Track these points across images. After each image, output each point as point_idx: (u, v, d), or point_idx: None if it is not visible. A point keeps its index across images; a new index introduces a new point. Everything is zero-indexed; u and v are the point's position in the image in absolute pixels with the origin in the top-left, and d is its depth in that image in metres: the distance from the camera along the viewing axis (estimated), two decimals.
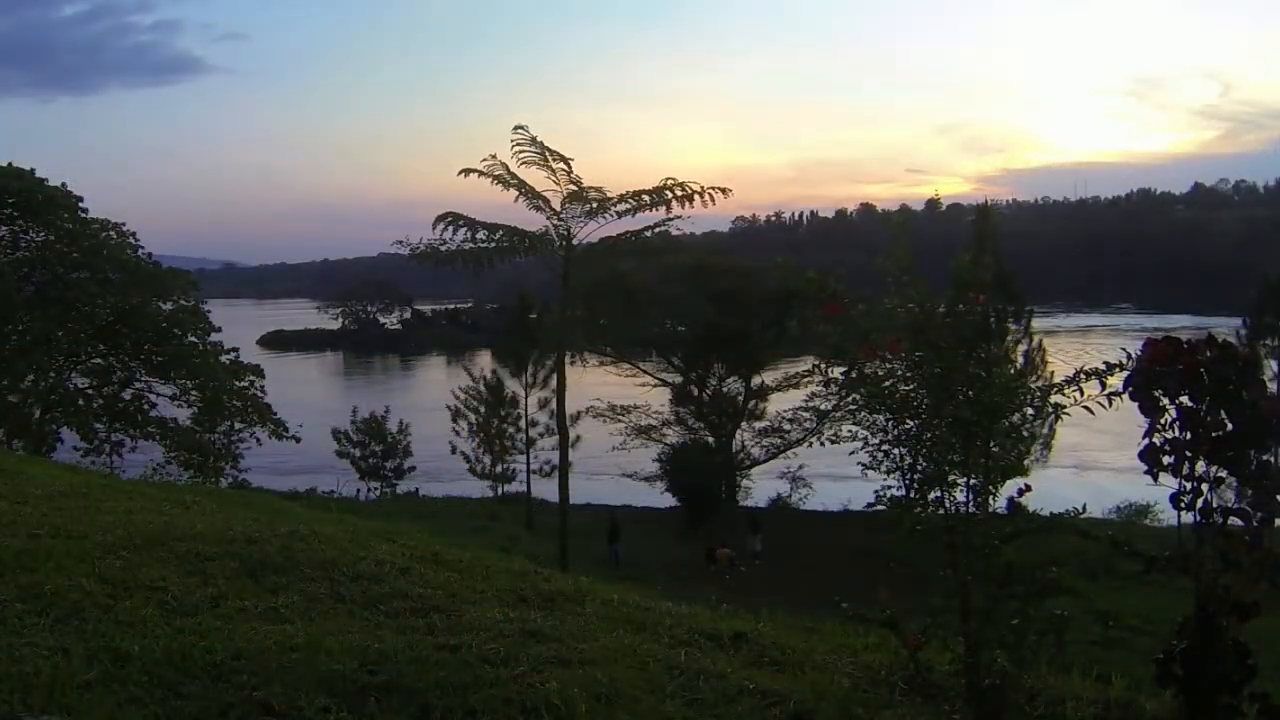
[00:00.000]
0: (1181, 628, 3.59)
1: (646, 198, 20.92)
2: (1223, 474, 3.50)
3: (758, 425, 44.10)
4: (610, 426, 43.51)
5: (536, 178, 21.00)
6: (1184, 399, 3.51)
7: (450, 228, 21.47)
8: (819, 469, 40.75)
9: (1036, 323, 42.48)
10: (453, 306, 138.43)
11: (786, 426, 43.03)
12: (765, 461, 43.90)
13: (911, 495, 4.18)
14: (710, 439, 43.38)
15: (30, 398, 32.18)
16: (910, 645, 4.30)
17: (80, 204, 34.19)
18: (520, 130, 20.31)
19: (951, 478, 4.10)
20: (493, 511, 38.27)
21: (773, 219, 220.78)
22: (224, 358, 35.41)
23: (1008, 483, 4.20)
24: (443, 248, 21.90)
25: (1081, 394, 3.87)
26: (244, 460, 35.30)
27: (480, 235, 21.70)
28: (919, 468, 4.15)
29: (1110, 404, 3.72)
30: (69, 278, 32.94)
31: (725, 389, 44.25)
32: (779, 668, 4.47)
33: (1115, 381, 3.68)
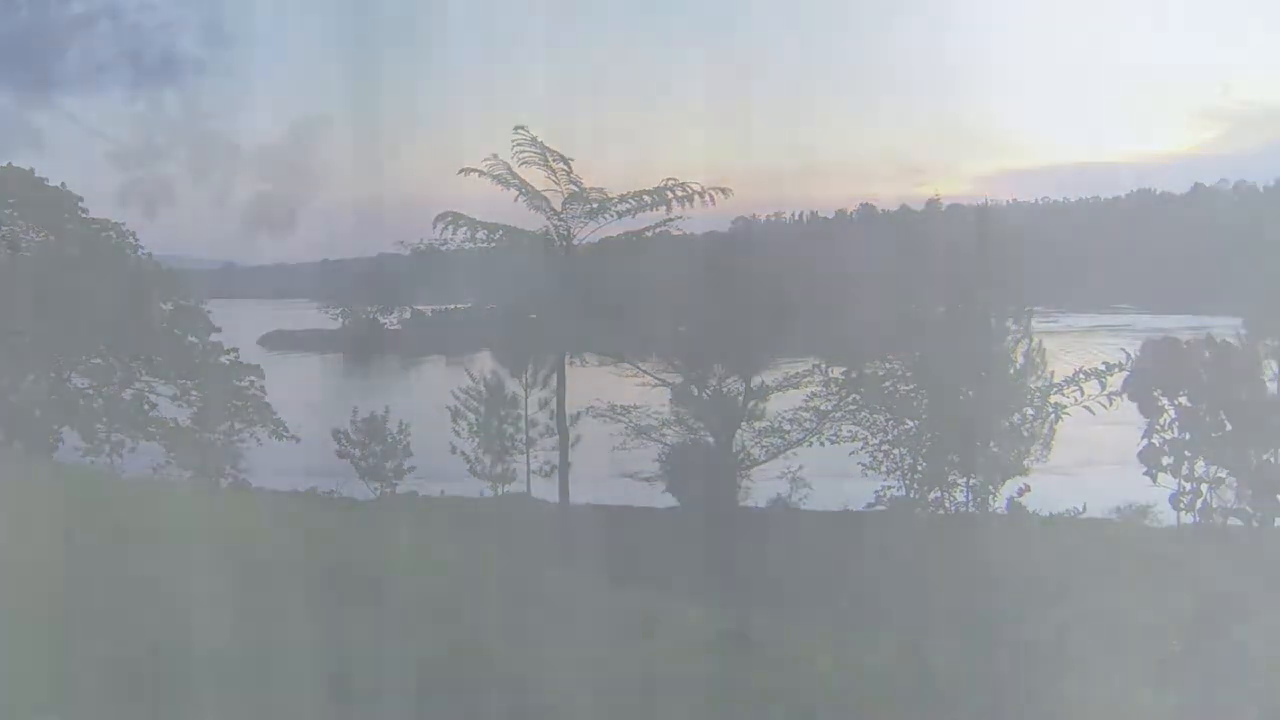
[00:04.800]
0: (1181, 628, 3.60)
1: (646, 198, 20.95)
2: (1223, 474, 3.50)
3: (758, 425, 43.98)
4: (610, 427, 43.43)
5: (537, 177, 21.03)
6: (1183, 399, 3.52)
7: (450, 228, 21.49)
8: (819, 469, 40.63)
9: (1037, 323, 42.25)
10: (453, 306, 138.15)
11: (786, 426, 42.92)
12: (765, 461, 43.79)
13: (911, 495, 4.19)
14: (710, 439, 43.27)
15: (30, 398, 32.11)
16: (910, 645, 4.30)
17: (80, 204, 34.18)
18: (521, 130, 20.37)
19: (951, 478, 4.10)
20: (493, 511, 38.17)
21: (772, 219, 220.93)
22: (224, 358, 35.35)
23: (1007, 482, 4.20)
24: (443, 248, 21.92)
25: (1082, 394, 3.88)
26: (244, 460, 35.21)
27: (480, 235, 21.72)
28: (919, 468, 4.16)
29: (1111, 403, 3.73)
30: (69, 278, 32.88)
31: (725, 389, 44.11)
32: (779, 668, 4.47)
33: (1115, 382, 3.69)
